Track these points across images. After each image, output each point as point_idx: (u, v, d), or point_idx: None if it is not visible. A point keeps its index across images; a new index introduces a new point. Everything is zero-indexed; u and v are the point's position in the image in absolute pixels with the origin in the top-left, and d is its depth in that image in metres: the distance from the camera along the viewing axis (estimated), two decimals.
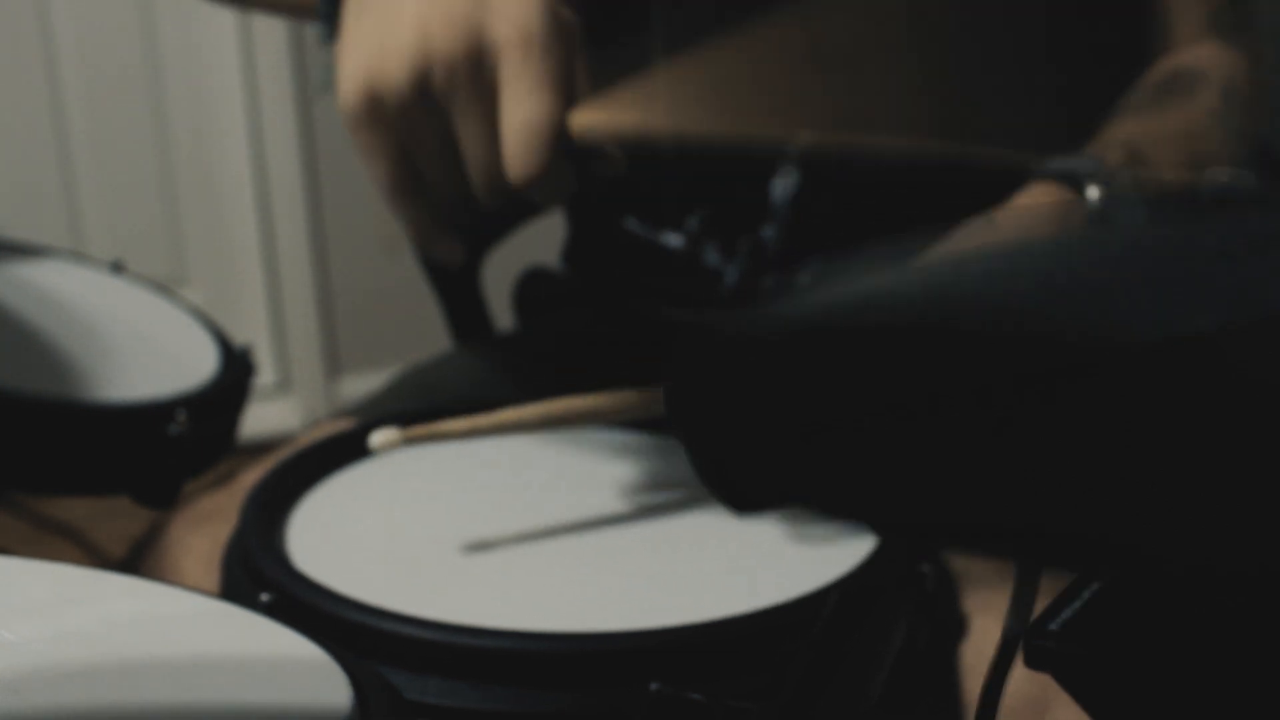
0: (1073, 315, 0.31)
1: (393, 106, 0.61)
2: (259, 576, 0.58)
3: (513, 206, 0.64)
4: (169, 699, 0.41)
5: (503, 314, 1.17)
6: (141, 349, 0.87)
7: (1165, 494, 0.27)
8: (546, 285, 1.08)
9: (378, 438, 0.65)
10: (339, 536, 0.65)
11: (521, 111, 0.60)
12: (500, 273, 1.18)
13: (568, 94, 0.61)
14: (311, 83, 0.71)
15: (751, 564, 0.62)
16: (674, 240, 0.94)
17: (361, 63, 0.61)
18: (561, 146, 0.61)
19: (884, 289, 0.36)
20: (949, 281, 0.35)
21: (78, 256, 1.01)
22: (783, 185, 0.90)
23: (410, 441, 0.66)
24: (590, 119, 0.62)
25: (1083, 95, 0.91)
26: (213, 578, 0.65)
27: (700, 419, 0.34)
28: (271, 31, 2.17)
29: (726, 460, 0.33)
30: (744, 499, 0.33)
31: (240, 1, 0.88)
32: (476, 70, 0.60)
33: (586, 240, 1.04)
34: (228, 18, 2.19)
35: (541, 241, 1.21)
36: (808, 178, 0.89)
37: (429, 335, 1.39)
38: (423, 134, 0.62)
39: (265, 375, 2.34)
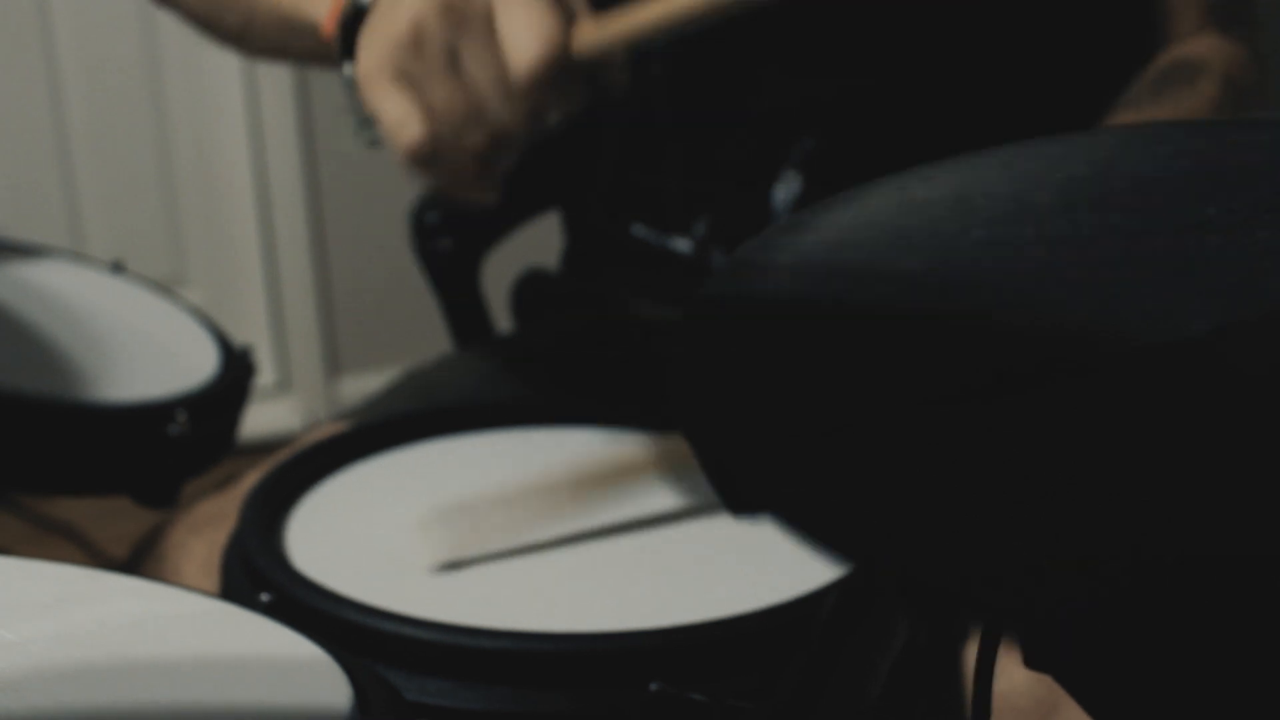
0: (1073, 310, 0.31)
1: (407, 59, 0.64)
2: (259, 577, 0.58)
3: (534, 136, 0.67)
4: (169, 699, 0.41)
5: (502, 315, 1.17)
6: (141, 349, 0.87)
7: (1160, 503, 0.27)
8: (544, 287, 1.08)
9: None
10: (339, 537, 0.65)
11: (518, 20, 0.63)
12: (500, 274, 1.18)
13: (560, 7, 0.65)
14: (356, 137, 0.74)
15: (751, 564, 0.62)
16: (682, 245, 0.94)
17: (376, 37, 0.66)
18: (564, 56, 0.63)
19: (882, 247, 0.35)
20: (950, 254, 0.34)
21: (78, 256, 1.01)
22: (785, 191, 0.90)
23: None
24: (589, 36, 0.65)
25: (1084, 88, 0.91)
26: (212, 582, 0.65)
27: (703, 418, 0.34)
28: None
29: (727, 459, 0.33)
30: (741, 501, 0.33)
31: (266, 52, 0.88)
32: (476, 5, 0.64)
33: (588, 246, 1.04)
34: None
35: (540, 244, 1.21)
36: (810, 184, 0.89)
37: (429, 335, 1.39)
38: (439, 77, 0.64)
39: (265, 375, 2.34)
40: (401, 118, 0.65)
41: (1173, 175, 0.37)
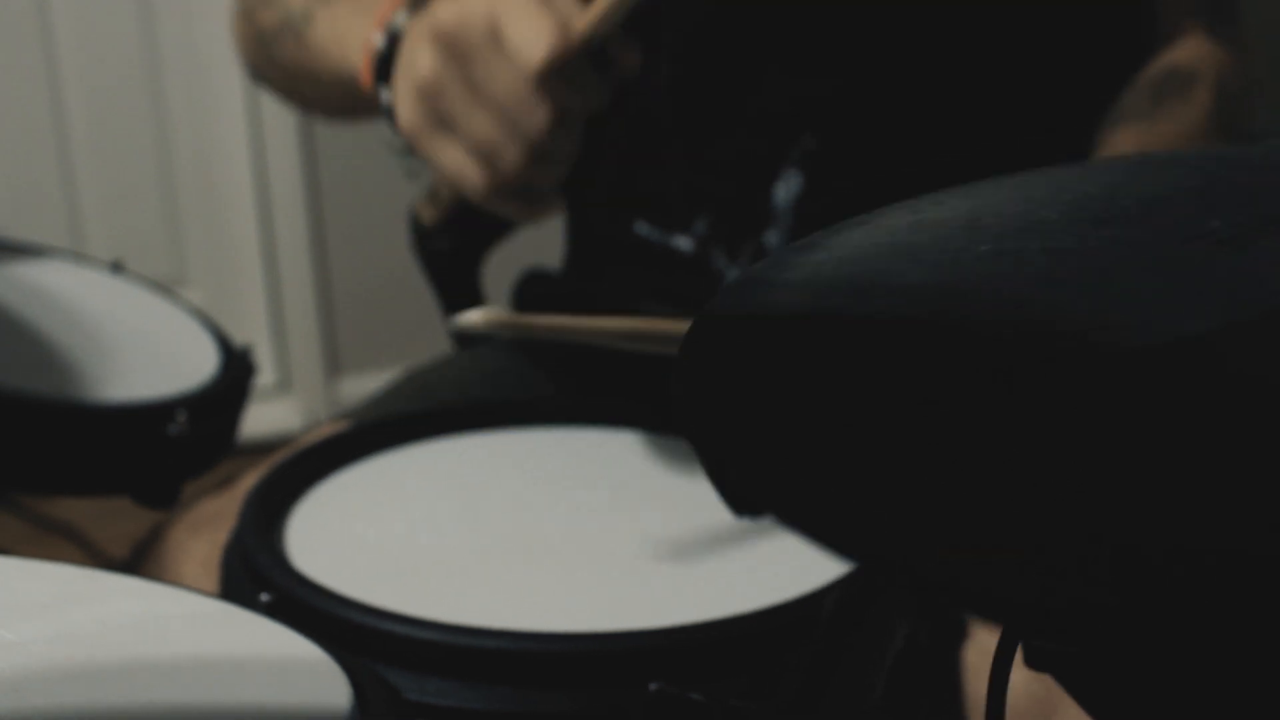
0: (1074, 312, 0.31)
1: (436, 106, 0.67)
2: (259, 577, 0.58)
3: (568, 143, 0.68)
4: (169, 699, 0.41)
5: None
6: (141, 349, 0.87)
7: (1162, 506, 0.27)
8: (544, 287, 1.08)
9: (468, 317, 0.66)
10: (339, 537, 0.65)
11: (519, 23, 0.65)
12: (500, 273, 1.17)
13: (559, 10, 0.66)
14: (405, 171, 0.80)
15: (751, 564, 0.62)
16: (683, 243, 0.94)
17: (404, 91, 0.68)
18: (569, 43, 0.65)
19: (890, 262, 0.36)
20: (954, 267, 0.35)
21: (78, 256, 1.01)
22: (786, 189, 0.90)
23: (492, 327, 0.67)
24: (583, 17, 0.66)
25: (1080, 86, 0.91)
26: (213, 582, 0.65)
27: (707, 421, 0.34)
28: None
29: (727, 461, 0.33)
30: (742, 501, 0.33)
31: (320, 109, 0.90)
32: (478, 30, 0.65)
33: (589, 245, 1.04)
34: (228, 18, 2.20)
35: (540, 244, 1.21)
36: (811, 182, 0.89)
37: (429, 335, 1.39)
38: (469, 110, 0.67)
39: (265, 375, 2.34)
40: (460, 169, 0.68)
41: (1179, 194, 0.37)
